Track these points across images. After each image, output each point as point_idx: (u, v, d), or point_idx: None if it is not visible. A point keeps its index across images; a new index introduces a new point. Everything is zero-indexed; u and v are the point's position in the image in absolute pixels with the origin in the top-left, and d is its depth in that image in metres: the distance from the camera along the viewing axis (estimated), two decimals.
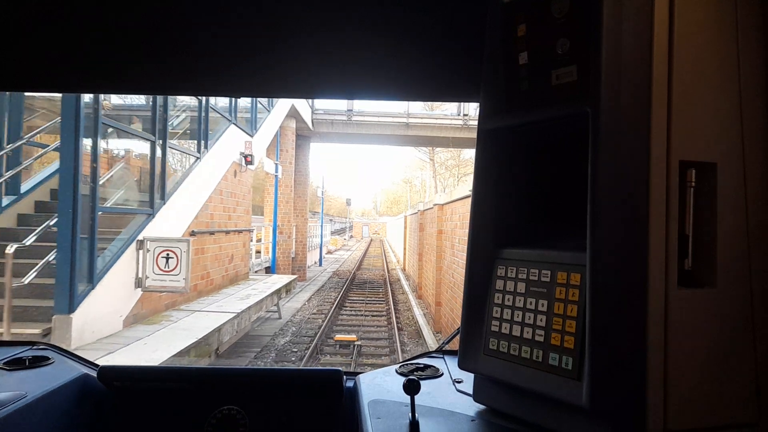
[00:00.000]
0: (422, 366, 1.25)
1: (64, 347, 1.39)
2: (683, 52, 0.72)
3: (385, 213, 76.96)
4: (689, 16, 0.73)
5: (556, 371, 0.79)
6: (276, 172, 14.22)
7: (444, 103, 20.11)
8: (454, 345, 1.12)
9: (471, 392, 0.99)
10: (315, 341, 8.09)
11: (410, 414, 0.88)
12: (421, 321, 9.60)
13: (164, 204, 6.60)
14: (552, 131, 0.85)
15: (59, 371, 1.18)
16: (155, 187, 6.34)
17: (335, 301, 11.97)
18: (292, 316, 10.46)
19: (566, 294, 0.80)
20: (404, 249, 20.80)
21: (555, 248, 0.85)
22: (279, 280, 10.38)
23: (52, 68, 1.14)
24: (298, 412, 1.18)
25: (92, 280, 5.03)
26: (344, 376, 1.20)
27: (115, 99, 7.34)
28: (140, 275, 5.70)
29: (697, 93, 0.73)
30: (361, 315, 10.81)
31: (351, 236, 58.57)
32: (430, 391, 1.07)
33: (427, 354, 1.38)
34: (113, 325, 5.36)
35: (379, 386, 1.12)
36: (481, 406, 0.97)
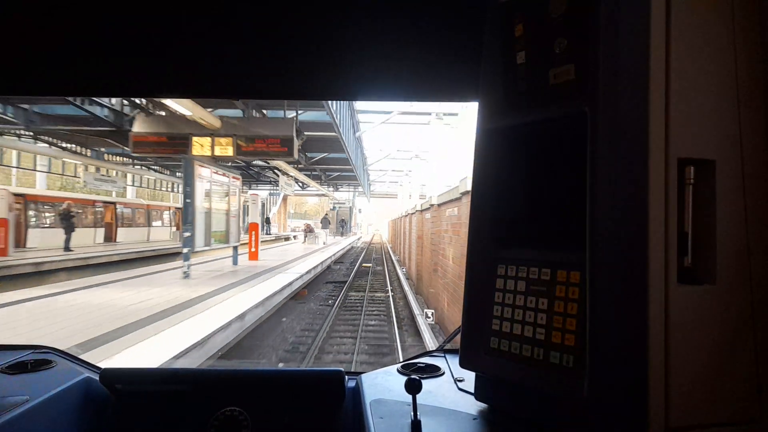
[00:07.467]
0: (423, 365, 1.23)
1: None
2: (680, 50, 0.70)
3: (383, 216, 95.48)
4: (686, 13, 0.71)
5: (557, 369, 0.78)
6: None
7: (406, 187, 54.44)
8: (456, 344, 1.09)
9: (472, 391, 0.98)
10: (363, 254, 38.56)
11: (412, 413, 0.87)
12: (390, 251, 41.86)
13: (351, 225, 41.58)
14: (550, 130, 0.84)
15: (61, 375, 1.16)
16: (352, 219, 41.68)
17: (366, 247, 44.22)
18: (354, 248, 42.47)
19: (566, 292, 0.79)
20: (389, 235, 55.31)
21: (555, 247, 0.84)
22: (354, 237, 44.78)
23: (49, 71, 1.14)
24: (300, 413, 1.17)
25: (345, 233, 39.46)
26: (346, 376, 1.19)
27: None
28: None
29: (695, 90, 0.71)
30: (373, 251, 43.09)
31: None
32: (431, 390, 1.06)
33: (428, 353, 1.36)
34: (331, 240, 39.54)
35: (380, 386, 1.12)
36: (483, 405, 0.96)
